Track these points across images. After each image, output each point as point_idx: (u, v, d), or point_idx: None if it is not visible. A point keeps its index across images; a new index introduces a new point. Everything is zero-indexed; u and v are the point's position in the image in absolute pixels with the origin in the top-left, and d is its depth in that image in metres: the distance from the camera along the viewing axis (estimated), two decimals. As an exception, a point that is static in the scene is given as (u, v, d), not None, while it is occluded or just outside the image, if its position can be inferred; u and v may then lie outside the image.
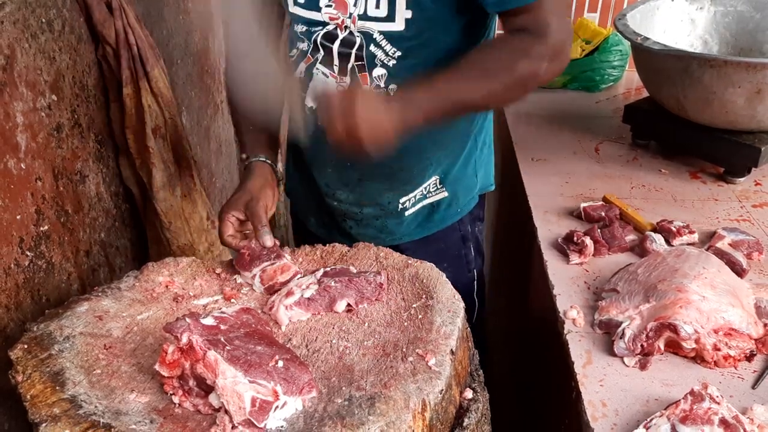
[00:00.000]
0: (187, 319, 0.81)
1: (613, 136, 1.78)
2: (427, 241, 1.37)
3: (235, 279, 1.08)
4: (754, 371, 0.96)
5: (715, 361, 0.96)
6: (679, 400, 0.85)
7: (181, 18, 1.79)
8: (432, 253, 1.32)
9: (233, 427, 0.76)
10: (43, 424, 0.76)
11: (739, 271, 1.15)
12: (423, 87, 1.03)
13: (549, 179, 1.55)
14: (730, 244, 1.21)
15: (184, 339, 0.79)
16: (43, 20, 1.13)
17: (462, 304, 0.99)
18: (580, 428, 0.92)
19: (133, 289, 1.04)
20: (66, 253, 1.22)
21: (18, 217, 1.07)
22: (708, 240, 1.26)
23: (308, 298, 0.97)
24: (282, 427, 0.77)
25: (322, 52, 1.17)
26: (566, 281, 1.18)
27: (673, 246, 1.24)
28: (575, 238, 1.24)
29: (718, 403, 0.83)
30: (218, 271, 1.10)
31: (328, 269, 1.04)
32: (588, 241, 1.23)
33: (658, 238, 1.25)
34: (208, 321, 0.84)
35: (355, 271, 1.03)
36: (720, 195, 1.47)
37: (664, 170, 1.59)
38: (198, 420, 0.79)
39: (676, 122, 1.58)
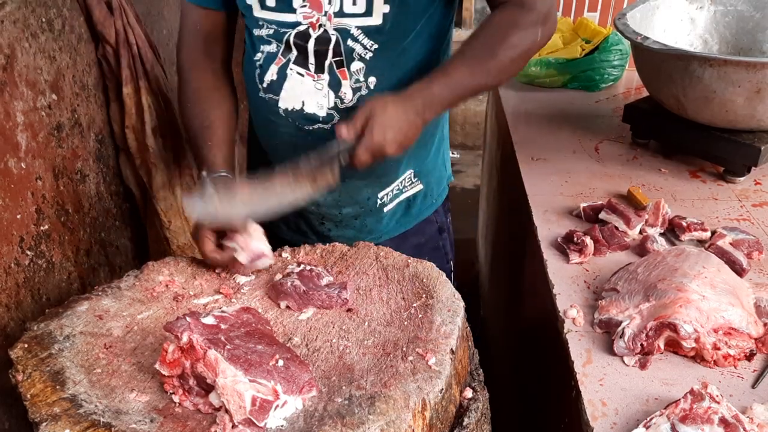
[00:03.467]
0: (188, 318, 0.81)
1: (613, 135, 1.78)
2: (406, 236, 1.39)
3: (235, 278, 1.08)
4: (754, 370, 0.96)
5: (714, 361, 0.96)
6: (679, 400, 0.85)
7: (181, 17, 1.79)
8: (412, 247, 1.35)
9: (233, 426, 0.76)
10: (44, 424, 0.76)
11: (739, 271, 1.15)
12: (438, 79, 1.07)
13: (549, 179, 1.55)
14: (730, 244, 1.21)
15: (185, 338, 0.79)
16: (43, 20, 1.13)
17: (462, 303, 0.99)
18: (580, 427, 0.92)
19: (134, 288, 1.04)
20: (66, 252, 1.22)
21: (18, 216, 1.07)
22: (708, 239, 1.26)
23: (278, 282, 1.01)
24: (282, 426, 0.77)
25: (295, 51, 1.16)
26: (566, 280, 1.18)
27: (682, 241, 1.26)
28: (575, 238, 1.25)
29: (718, 403, 0.83)
30: (218, 270, 1.10)
31: (302, 269, 1.05)
32: (588, 240, 1.23)
33: (659, 238, 1.25)
34: (209, 320, 0.84)
35: (324, 282, 1.03)
36: (720, 194, 1.47)
37: (664, 169, 1.59)
38: (198, 419, 0.79)
39: (675, 121, 1.58)
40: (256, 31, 1.18)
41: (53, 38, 1.16)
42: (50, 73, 1.16)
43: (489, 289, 2.56)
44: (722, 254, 1.17)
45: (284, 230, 1.40)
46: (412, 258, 1.10)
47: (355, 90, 1.17)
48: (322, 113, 1.19)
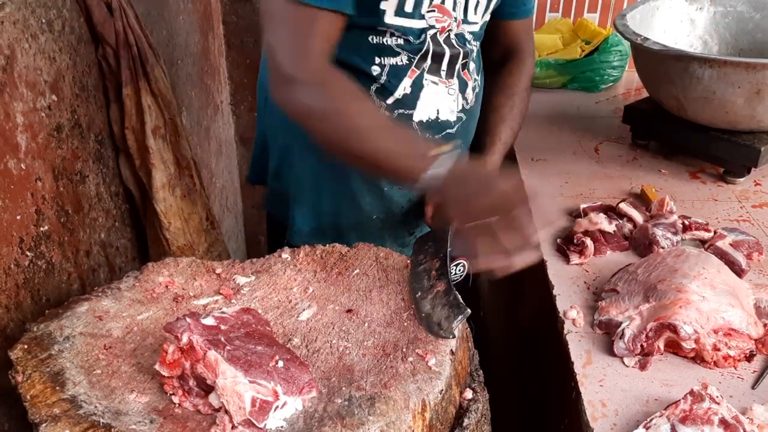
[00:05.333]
0: (188, 319, 0.81)
1: (613, 136, 1.79)
2: None
3: (235, 279, 1.08)
4: (754, 371, 0.97)
5: (714, 361, 0.96)
6: (679, 400, 0.85)
7: (181, 18, 1.79)
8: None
9: (233, 427, 0.76)
10: (43, 425, 0.76)
11: (739, 271, 1.15)
12: (491, 155, 1.25)
13: (549, 179, 1.55)
14: (730, 244, 1.21)
15: (185, 339, 0.79)
16: (43, 20, 1.13)
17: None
18: (580, 428, 0.92)
19: (133, 289, 1.04)
20: (66, 253, 1.22)
21: (18, 217, 1.07)
22: (709, 239, 1.26)
23: None
24: (282, 427, 0.77)
25: (429, 60, 1.14)
26: (566, 281, 1.18)
27: (683, 240, 1.26)
28: (575, 239, 1.25)
29: (718, 403, 0.83)
30: (218, 271, 1.10)
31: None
32: (588, 241, 1.23)
33: (660, 232, 1.24)
34: (209, 321, 0.84)
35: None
36: (720, 195, 1.47)
37: (664, 170, 1.59)
38: (198, 420, 0.79)
39: (675, 122, 1.58)
40: (374, 39, 1.10)
41: (53, 39, 1.16)
42: (50, 74, 1.16)
43: (489, 289, 2.56)
44: (722, 255, 1.17)
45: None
46: (411, 259, 1.10)
47: (473, 89, 1.24)
48: (453, 118, 1.22)
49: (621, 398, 0.92)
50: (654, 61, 1.54)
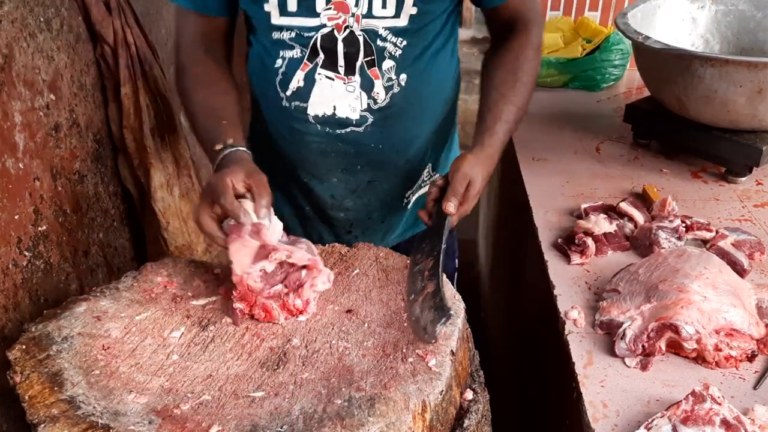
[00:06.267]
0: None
1: (614, 135, 1.78)
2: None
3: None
4: (756, 372, 0.96)
5: (716, 362, 0.96)
6: (681, 401, 0.84)
7: (180, 17, 1.78)
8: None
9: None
10: (42, 425, 0.76)
11: (741, 271, 1.14)
12: (499, 126, 1.15)
13: (550, 179, 1.55)
14: (732, 244, 1.21)
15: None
16: (42, 19, 1.13)
17: (462, 305, 0.98)
18: (581, 429, 0.91)
19: (132, 289, 1.03)
20: (64, 253, 1.21)
21: (16, 216, 1.07)
22: (711, 239, 1.26)
23: None
24: (283, 428, 0.77)
25: (322, 55, 1.14)
26: (567, 281, 1.18)
27: (685, 240, 1.25)
28: (576, 239, 1.24)
29: (720, 404, 0.83)
30: (217, 271, 1.09)
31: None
32: (589, 241, 1.23)
33: (663, 235, 1.24)
34: None
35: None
36: (721, 195, 1.47)
37: (666, 170, 1.58)
38: (197, 421, 0.79)
39: (677, 121, 1.57)
40: (275, 35, 1.15)
41: (51, 38, 1.16)
42: (48, 72, 1.15)
43: (489, 289, 2.56)
44: (723, 255, 1.16)
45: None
46: (410, 258, 1.09)
47: (387, 89, 1.18)
48: (355, 116, 1.19)
49: (622, 399, 0.92)
50: (655, 60, 1.53)
